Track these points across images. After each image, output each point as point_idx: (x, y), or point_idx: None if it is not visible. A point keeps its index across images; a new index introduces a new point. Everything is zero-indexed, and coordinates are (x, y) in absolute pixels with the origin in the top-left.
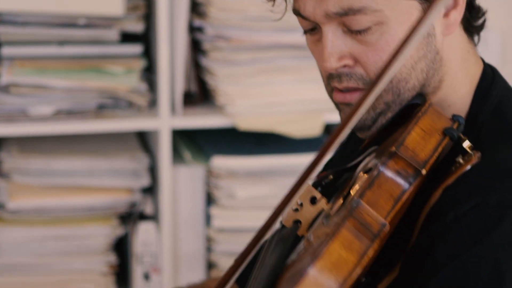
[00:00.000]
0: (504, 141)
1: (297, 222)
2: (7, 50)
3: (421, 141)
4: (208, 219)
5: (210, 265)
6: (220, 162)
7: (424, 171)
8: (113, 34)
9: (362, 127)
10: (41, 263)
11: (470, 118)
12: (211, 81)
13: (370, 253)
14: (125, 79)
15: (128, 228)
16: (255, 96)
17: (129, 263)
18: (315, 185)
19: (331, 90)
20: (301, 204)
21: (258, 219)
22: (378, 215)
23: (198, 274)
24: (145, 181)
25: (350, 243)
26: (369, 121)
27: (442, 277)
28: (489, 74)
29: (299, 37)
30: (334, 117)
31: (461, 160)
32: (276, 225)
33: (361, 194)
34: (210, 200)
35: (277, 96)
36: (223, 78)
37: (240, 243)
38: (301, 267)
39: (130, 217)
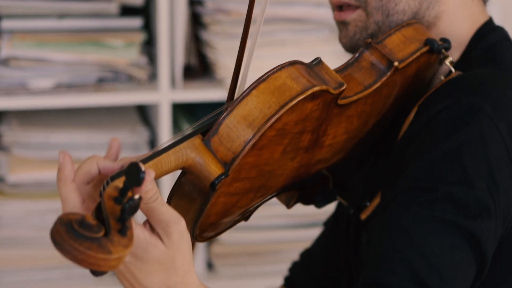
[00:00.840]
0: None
1: None
2: (7, 23)
3: (401, 44)
4: None
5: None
6: None
7: (396, 63)
8: (113, 7)
9: (356, 46)
10: (41, 236)
11: (463, 56)
12: (211, 54)
13: (316, 89)
14: (125, 53)
15: None
16: (255, 70)
17: None
18: None
19: (332, 12)
20: None
21: None
22: (336, 75)
23: (198, 247)
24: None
25: (297, 77)
26: (361, 41)
27: (411, 172)
28: (493, 25)
29: (300, 11)
30: None
31: (442, 77)
32: None
33: (340, 69)
34: None
35: None
36: (223, 51)
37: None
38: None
39: None
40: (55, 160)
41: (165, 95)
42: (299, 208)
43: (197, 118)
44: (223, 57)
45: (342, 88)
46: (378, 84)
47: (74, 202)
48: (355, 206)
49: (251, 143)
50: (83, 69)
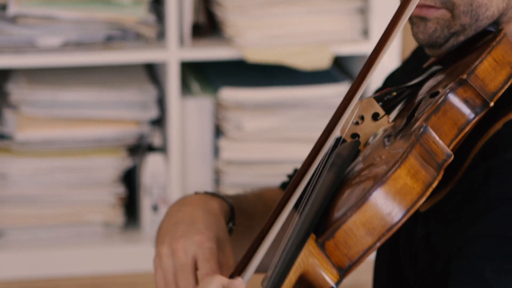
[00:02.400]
0: None
1: (355, 136)
2: None
3: (492, 71)
4: (216, 151)
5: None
6: (229, 94)
7: (491, 104)
8: None
9: (434, 43)
10: (50, 194)
11: None
12: (219, 12)
13: (435, 184)
14: (133, 10)
15: (136, 160)
16: (264, 28)
17: (137, 194)
18: (377, 99)
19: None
20: (362, 118)
21: (266, 151)
22: (444, 144)
23: None
24: (153, 113)
25: (416, 172)
26: (441, 39)
27: (494, 217)
28: None
29: None
30: (343, 49)
31: None
32: (332, 138)
33: (426, 118)
34: (218, 132)
35: (286, 28)
36: (231, 9)
37: (248, 175)
38: (362, 189)
39: (139, 149)
40: (63, 118)
41: (173, 54)
42: None
43: (205, 77)
44: (231, 15)
45: (449, 160)
46: (471, 125)
47: None
48: None
49: (370, 251)
50: (91, 27)
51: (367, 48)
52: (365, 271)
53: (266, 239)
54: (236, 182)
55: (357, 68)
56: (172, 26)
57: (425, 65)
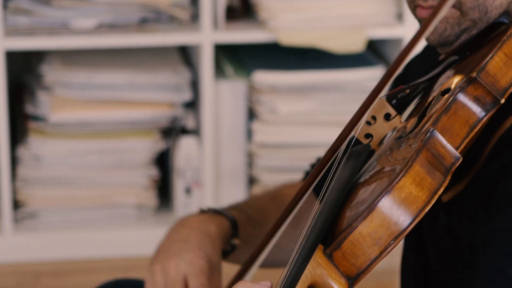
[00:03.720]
0: None
1: (368, 136)
2: None
3: (503, 66)
4: (249, 134)
5: (251, 180)
6: (262, 77)
7: (502, 100)
8: None
9: (445, 42)
10: (83, 176)
11: None
12: None
13: (441, 190)
14: None
15: (169, 142)
16: (298, 11)
17: (170, 177)
18: (390, 98)
19: (414, 7)
20: (374, 118)
21: (299, 134)
22: (452, 148)
23: (239, 189)
24: (187, 96)
25: (421, 180)
26: (452, 37)
27: (508, 216)
28: None
29: None
30: (377, 32)
31: None
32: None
33: (435, 120)
34: (251, 115)
35: (320, 11)
36: None
37: (280, 158)
38: (369, 197)
39: (172, 131)
40: (97, 100)
41: (207, 36)
42: None
43: (239, 60)
44: None
45: (457, 163)
46: (483, 122)
47: None
48: None
49: (378, 261)
50: (125, 9)
51: (401, 32)
52: (396, 255)
53: (275, 235)
54: (269, 165)
55: (390, 52)
56: (206, 9)
57: (440, 58)
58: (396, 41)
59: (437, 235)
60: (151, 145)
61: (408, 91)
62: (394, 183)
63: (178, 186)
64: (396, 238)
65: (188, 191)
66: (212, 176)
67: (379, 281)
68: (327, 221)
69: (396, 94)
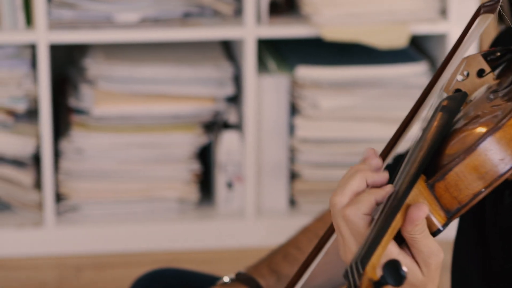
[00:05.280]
0: None
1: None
2: None
3: None
4: (291, 129)
5: (293, 175)
6: (305, 72)
7: None
8: None
9: None
10: (125, 169)
11: None
12: None
13: None
14: None
15: (212, 136)
16: (341, 6)
17: (212, 171)
18: (485, 55)
19: None
20: (467, 75)
21: (341, 130)
22: None
23: (280, 184)
24: (229, 90)
25: None
26: None
27: None
28: None
29: None
30: (420, 28)
31: None
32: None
33: None
34: (294, 110)
35: (363, 6)
36: None
37: (322, 154)
38: (475, 134)
39: (214, 126)
40: (140, 94)
41: (250, 31)
42: None
43: (281, 55)
44: None
45: None
46: None
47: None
48: None
49: (480, 196)
50: (169, 4)
51: (444, 27)
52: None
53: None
54: (311, 160)
55: (434, 48)
56: (249, 3)
57: None
58: (440, 37)
59: (499, 213)
60: (193, 139)
61: (498, 54)
62: (505, 120)
63: (220, 180)
64: (501, 175)
65: (229, 185)
66: (254, 171)
67: None
68: (430, 150)
69: (486, 55)
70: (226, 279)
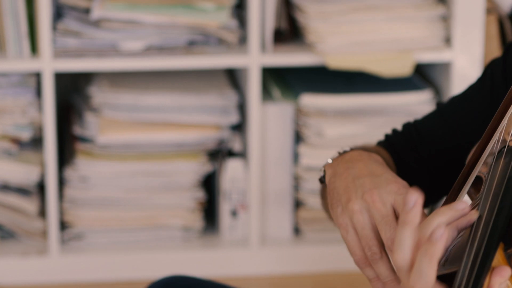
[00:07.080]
0: None
1: None
2: None
3: None
4: (296, 157)
5: (298, 203)
6: (309, 100)
7: None
8: None
9: None
10: (130, 198)
11: None
12: (301, 18)
13: None
14: (215, 15)
15: (216, 164)
16: (346, 34)
17: (216, 199)
18: None
19: None
20: None
21: None
22: None
23: (285, 212)
24: (233, 118)
25: None
26: None
27: None
28: None
29: None
30: (425, 56)
31: None
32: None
33: None
34: (298, 138)
35: (367, 34)
36: (313, 15)
37: None
38: None
39: (219, 154)
40: (145, 122)
41: (255, 59)
42: None
43: (286, 83)
44: (313, 22)
45: None
46: None
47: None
48: None
49: None
50: (173, 32)
51: (449, 56)
52: None
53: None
54: (316, 189)
55: (438, 76)
56: (254, 32)
57: None
58: (444, 65)
59: None
60: (198, 167)
61: None
62: None
63: (224, 208)
64: None
65: (234, 213)
66: (258, 199)
67: None
68: (507, 217)
69: None
70: (329, 160)
